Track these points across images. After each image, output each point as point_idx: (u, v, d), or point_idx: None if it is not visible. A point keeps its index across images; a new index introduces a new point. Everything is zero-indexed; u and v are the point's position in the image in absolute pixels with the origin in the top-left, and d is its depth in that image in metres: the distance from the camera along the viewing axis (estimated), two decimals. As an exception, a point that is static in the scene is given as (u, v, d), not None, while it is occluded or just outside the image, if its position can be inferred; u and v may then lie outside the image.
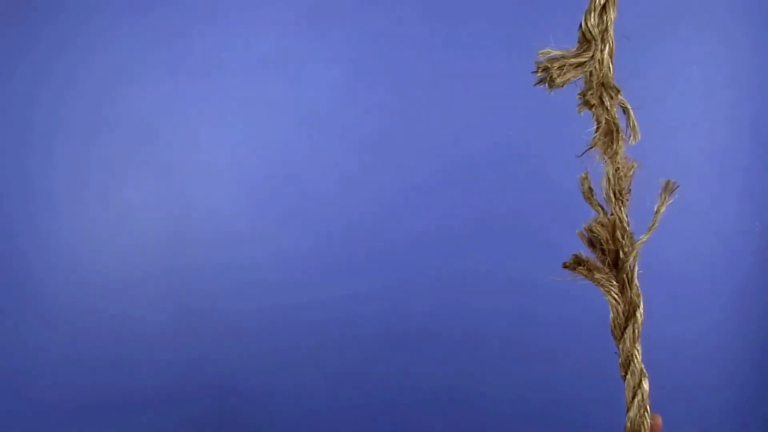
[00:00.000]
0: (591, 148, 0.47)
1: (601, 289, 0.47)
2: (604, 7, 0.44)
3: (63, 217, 1.10)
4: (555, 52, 0.44)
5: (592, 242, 0.47)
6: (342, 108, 1.10)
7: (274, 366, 1.13)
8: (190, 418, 1.12)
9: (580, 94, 0.45)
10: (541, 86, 0.45)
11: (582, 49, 0.44)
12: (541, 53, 0.44)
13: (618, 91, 0.45)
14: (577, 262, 0.47)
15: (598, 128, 0.46)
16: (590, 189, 0.48)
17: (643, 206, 0.49)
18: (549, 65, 0.44)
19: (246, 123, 1.11)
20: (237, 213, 1.11)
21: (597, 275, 0.46)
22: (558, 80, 0.43)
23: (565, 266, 0.48)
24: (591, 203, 0.48)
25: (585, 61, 0.44)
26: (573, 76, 0.44)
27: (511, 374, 1.11)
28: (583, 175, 0.48)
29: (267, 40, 1.10)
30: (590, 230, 0.47)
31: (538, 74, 0.44)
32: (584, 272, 0.46)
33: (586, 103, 0.45)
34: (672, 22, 1.07)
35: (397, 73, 1.09)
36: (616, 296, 0.47)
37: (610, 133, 0.46)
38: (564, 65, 0.43)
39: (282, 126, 1.11)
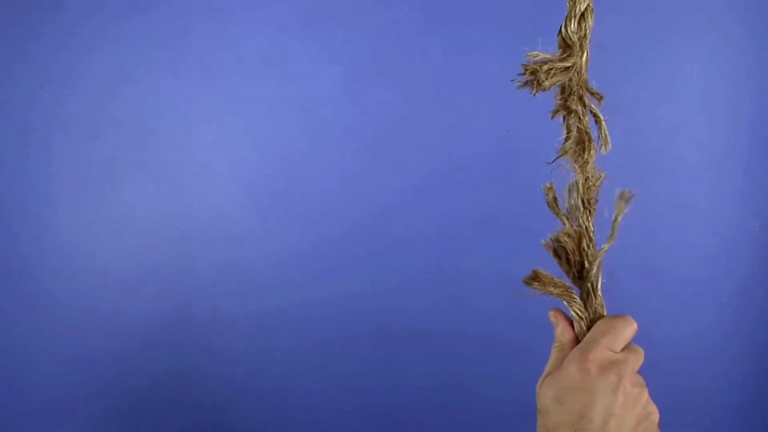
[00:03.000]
0: (561, 156, 0.47)
1: (564, 302, 0.47)
2: (582, 15, 0.44)
3: (63, 217, 1.10)
4: (543, 56, 0.44)
5: (557, 253, 0.47)
6: (342, 108, 1.10)
7: (273, 366, 1.13)
8: (190, 418, 1.12)
9: (561, 99, 0.45)
10: (526, 88, 0.46)
11: (566, 54, 0.44)
12: (530, 56, 0.45)
13: (601, 97, 0.45)
14: (533, 278, 0.47)
15: (569, 137, 0.47)
16: (555, 199, 0.48)
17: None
18: (537, 68, 0.44)
19: (245, 123, 1.11)
20: (237, 213, 1.11)
21: (552, 290, 0.46)
22: (546, 83, 0.44)
23: (524, 281, 0.48)
24: (556, 213, 0.48)
25: (570, 66, 0.44)
26: (559, 80, 0.44)
27: (511, 374, 1.11)
28: (548, 185, 0.48)
29: (267, 39, 1.10)
30: (557, 241, 0.47)
31: (526, 76, 0.45)
32: (539, 287, 0.46)
33: (567, 109, 0.45)
34: (672, 22, 1.07)
35: (397, 73, 1.09)
36: (579, 310, 0.46)
37: (582, 142, 0.46)
38: (552, 68, 0.44)
39: (282, 126, 1.11)
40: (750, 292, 1.10)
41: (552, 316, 0.50)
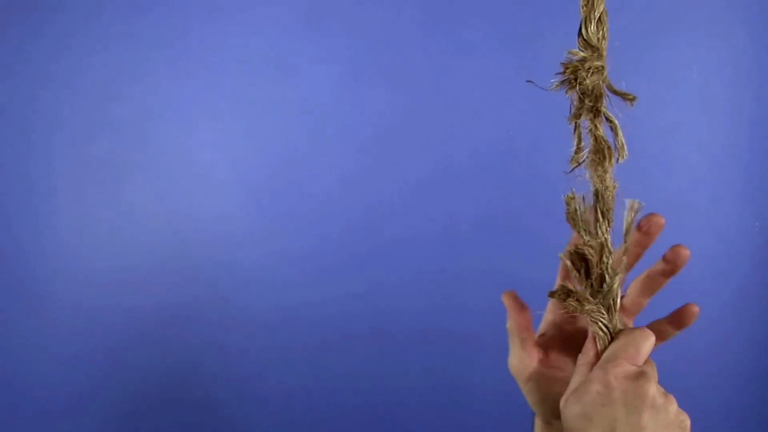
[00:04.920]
0: (578, 165, 0.45)
1: (588, 318, 0.45)
2: (599, 18, 0.43)
3: (63, 217, 1.10)
4: (582, 53, 0.43)
5: (575, 265, 0.45)
6: (342, 108, 1.10)
7: (273, 365, 1.13)
8: (190, 417, 1.12)
9: (589, 101, 0.43)
10: (546, 86, 0.44)
11: (595, 54, 0.43)
12: (572, 53, 0.43)
13: (634, 98, 0.43)
14: (567, 294, 0.45)
15: (581, 146, 0.44)
16: (576, 210, 0.45)
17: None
18: (580, 66, 0.43)
19: (246, 123, 1.11)
20: (237, 213, 1.11)
21: (588, 307, 0.44)
22: (587, 81, 0.42)
23: (552, 295, 0.46)
24: (576, 226, 0.45)
25: (602, 65, 0.43)
26: (597, 79, 0.43)
27: (510, 374, 1.11)
28: (570, 195, 0.45)
29: (267, 39, 1.10)
30: (577, 253, 0.45)
31: (566, 74, 0.43)
32: (575, 304, 0.45)
33: (595, 112, 0.44)
34: (672, 22, 1.07)
35: (397, 73, 1.09)
36: (604, 328, 0.45)
37: (600, 151, 0.44)
38: (591, 67, 0.42)
39: (282, 126, 1.11)
40: (750, 292, 1.10)
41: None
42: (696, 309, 0.50)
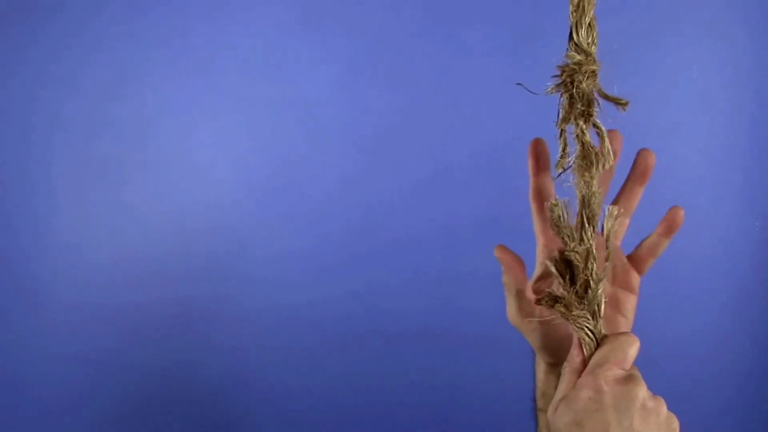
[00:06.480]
0: (564, 170, 0.45)
1: (574, 325, 0.45)
2: (589, 24, 0.43)
3: (63, 217, 1.10)
4: (578, 57, 0.43)
5: (560, 271, 0.45)
6: (341, 108, 1.10)
7: (273, 365, 1.13)
8: (190, 416, 1.13)
9: (581, 106, 0.43)
10: (543, 89, 0.44)
11: (589, 59, 0.43)
12: (569, 56, 0.43)
13: (626, 103, 0.43)
14: (554, 299, 0.45)
15: (566, 150, 0.45)
16: (560, 217, 0.45)
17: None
18: (577, 69, 0.42)
19: (246, 123, 1.11)
20: (236, 213, 1.11)
21: (575, 312, 0.44)
22: (583, 85, 0.42)
23: (539, 302, 0.46)
24: (560, 232, 0.45)
25: (597, 70, 0.43)
26: (592, 83, 0.43)
27: (511, 374, 1.11)
28: (554, 202, 0.45)
29: (267, 39, 1.10)
30: (563, 259, 0.45)
31: (563, 77, 0.43)
32: (563, 310, 0.44)
33: (587, 117, 0.44)
34: (672, 22, 1.07)
35: (397, 73, 1.09)
36: (590, 333, 0.45)
37: (588, 157, 0.44)
38: (588, 71, 0.42)
39: (282, 126, 1.11)
40: (750, 292, 1.10)
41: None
42: (681, 210, 0.51)
